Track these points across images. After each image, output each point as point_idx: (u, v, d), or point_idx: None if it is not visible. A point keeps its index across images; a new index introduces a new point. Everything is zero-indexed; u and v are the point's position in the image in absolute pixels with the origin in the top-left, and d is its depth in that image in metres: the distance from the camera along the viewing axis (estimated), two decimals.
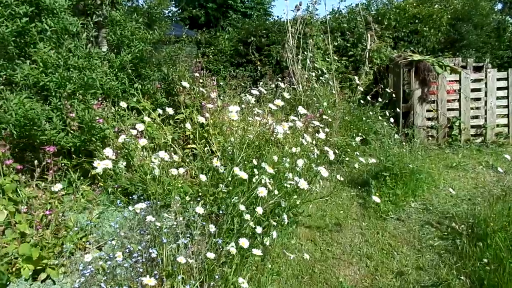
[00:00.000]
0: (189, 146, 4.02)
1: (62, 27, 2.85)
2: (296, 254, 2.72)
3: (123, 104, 2.88)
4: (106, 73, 3.15)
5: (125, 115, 3.55)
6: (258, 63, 7.24)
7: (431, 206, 3.34)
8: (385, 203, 3.35)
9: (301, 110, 2.93)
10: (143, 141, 2.54)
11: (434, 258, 2.60)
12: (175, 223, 2.25)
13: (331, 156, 2.82)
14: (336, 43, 6.91)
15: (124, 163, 2.96)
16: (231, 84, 6.48)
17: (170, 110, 3.07)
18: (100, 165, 2.34)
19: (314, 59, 6.32)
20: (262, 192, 2.12)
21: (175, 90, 4.13)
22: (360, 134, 4.87)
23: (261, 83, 6.20)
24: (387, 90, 5.66)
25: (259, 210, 2.02)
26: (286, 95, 3.36)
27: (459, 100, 5.30)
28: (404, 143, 4.83)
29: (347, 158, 4.52)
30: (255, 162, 2.52)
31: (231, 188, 2.40)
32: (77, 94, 2.89)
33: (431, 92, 5.35)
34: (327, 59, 6.54)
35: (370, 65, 6.35)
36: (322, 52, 6.69)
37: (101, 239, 2.55)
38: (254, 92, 2.92)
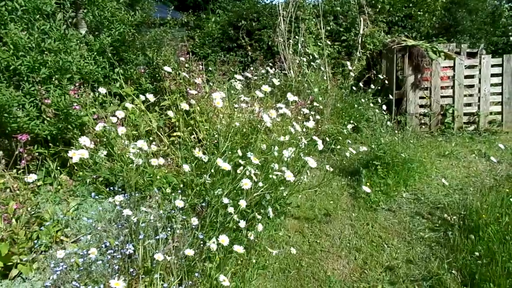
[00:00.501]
0: (175, 134, 3.89)
1: (34, 6, 2.66)
2: (283, 247, 2.63)
3: (102, 90, 2.71)
4: (84, 56, 2.97)
5: (106, 101, 3.39)
6: (249, 48, 7.04)
7: (422, 196, 3.26)
8: (376, 193, 3.26)
9: (291, 97, 2.80)
10: (122, 130, 2.39)
11: (425, 251, 2.53)
12: (153, 217, 2.13)
13: (320, 146, 2.71)
14: (328, 28, 6.73)
15: (105, 152, 2.81)
16: (221, 70, 6.29)
17: (150, 97, 2.91)
18: (75, 155, 2.20)
19: (306, 44, 6.16)
20: (246, 184, 2.00)
21: (159, 75, 3.96)
22: (351, 121, 4.76)
23: (251, 68, 6.04)
24: (380, 76, 5.54)
25: (243, 203, 1.91)
26: (276, 81, 3.22)
27: (452, 87, 5.20)
28: (396, 131, 4.76)
29: (338, 146, 4.42)
30: (240, 152, 2.39)
31: (215, 179, 2.28)
32: (53, 79, 2.72)
33: (425, 79, 5.24)
34: (319, 44, 6.37)
35: (363, 51, 6.21)
36: (314, 36, 6.52)
37: (78, 233, 2.43)
38: (239, 77, 2.76)
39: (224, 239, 1.74)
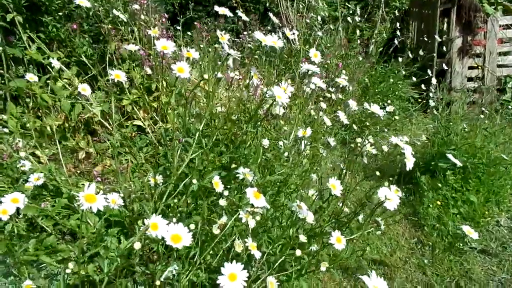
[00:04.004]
0: (133, 122, 2.56)
1: None
2: None
3: None
4: None
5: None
6: (241, 9, 5.62)
7: None
8: (453, 218, 1.98)
9: (311, 65, 1.46)
10: None
11: None
12: None
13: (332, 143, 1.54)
14: None
15: None
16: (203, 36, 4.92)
17: (56, 63, 1.60)
18: None
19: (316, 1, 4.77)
20: (232, 278, 0.71)
21: (103, 33, 2.59)
22: (387, 101, 3.47)
23: (244, 33, 4.67)
24: (407, 40, 4.21)
25: None
26: (289, 33, 1.87)
27: None
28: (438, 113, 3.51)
29: (369, 136, 3.12)
30: (219, 187, 1.06)
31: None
32: None
33: (477, 42, 3.91)
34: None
35: (387, 9, 4.85)
36: None
37: None
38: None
39: None
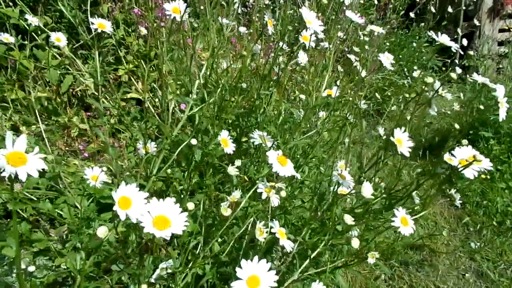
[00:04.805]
0: (128, 95, 2.31)
1: None
2: None
3: None
4: None
5: None
6: None
7: None
8: (501, 193, 1.71)
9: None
10: None
11: None
12: None
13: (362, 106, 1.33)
14: None
15: None
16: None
17: (33, 19, 1.34)
18: None
19: None
20: (254, 283, 0.46)
21: None
22: (408, 68, 3.16)
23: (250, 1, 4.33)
24: (430, 2, 3.83)
25: None
26: None
27: None
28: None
29: (394, 107, 2.83)
30: (229, 146, 0.78)
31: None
32: None
33: (509, 1, 3.54)
34: None
35: None
36: None
37: None
38: None
39: None
